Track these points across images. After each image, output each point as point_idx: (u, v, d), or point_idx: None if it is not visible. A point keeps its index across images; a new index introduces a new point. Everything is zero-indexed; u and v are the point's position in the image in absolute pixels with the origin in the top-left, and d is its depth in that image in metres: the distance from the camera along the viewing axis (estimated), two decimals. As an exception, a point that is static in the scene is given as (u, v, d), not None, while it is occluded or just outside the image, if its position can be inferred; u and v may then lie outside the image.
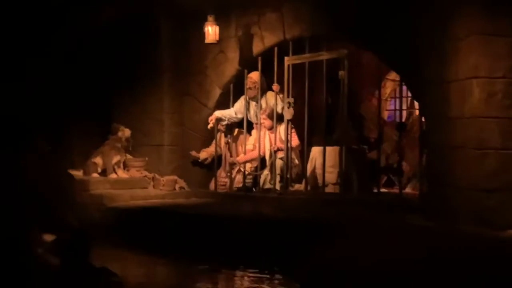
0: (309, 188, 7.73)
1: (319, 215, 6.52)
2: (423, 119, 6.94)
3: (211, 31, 7.67)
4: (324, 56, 7.44)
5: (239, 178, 8.56)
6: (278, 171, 7.87)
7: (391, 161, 9.29)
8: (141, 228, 7.29)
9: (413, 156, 8.78)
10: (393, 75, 10.89)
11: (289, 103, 7.73)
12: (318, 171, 7.79)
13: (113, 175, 8.49)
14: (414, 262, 4.32)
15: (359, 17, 7.02)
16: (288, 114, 7.74)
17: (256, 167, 8.32)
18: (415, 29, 6.38)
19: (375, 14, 6.85)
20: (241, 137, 8.62)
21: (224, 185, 8.65)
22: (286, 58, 7.77)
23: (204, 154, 8.73)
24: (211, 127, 8.44)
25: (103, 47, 9.17)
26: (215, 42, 7.79)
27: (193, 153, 8.68)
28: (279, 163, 7.88)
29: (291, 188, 7.81)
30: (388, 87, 10.88)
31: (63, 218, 5.56)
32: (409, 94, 10.95)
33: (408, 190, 8.80)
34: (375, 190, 7.38)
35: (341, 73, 7.29)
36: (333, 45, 7.56)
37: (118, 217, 7.53)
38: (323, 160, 7.45)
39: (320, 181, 7.73)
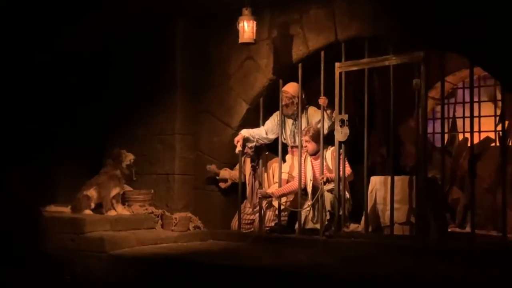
0: (370, 229, 6.06)
1: (408, 271, 4.87)
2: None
3: (247, 28, 6.03)
4: (391, 60, 5.85)
5: (270, 215, 6.88)
6: (328, 207, 6.19)
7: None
8: (154, 283, 5.57)
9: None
10: (433, 92, 9.37)
11: (342, 120, 6.11)
12: (380, 206, 6.15)
13: (112, 212, 6.71)
14: None
15: (445, 11, 5.48)
16: (341, 134, 6.12)
17: (292, 202, 6.67)
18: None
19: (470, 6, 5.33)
20: (272, 162, 6.96)
21: (251, 223, 6.96)
22: (337, 64, 6.18)
23: (226, 173, 7.03)
24: (240, 151, 6.75)
25: (98, 56, 7.51)
26: (252, 41, 6.14)
27: (212, 167, 6.97)
28: (328, 197, 6.21)
29: (345, 229, 6.13)
30: (428, 107, 9.31)
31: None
32: (451, 115, 9.57)
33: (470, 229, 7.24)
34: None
35: (415, 81, 5.72)
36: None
37: (125, 268, 5.76)
38: (391, 193, 5.81)
39: (383, 219, 6.10)
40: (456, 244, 5.59)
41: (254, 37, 6.12)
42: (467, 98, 9.34)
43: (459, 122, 9.25)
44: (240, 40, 6.14)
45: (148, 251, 5.98)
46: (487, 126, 8.81)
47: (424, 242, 5.59)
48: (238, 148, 6.73)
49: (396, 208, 5.89)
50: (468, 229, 7.27)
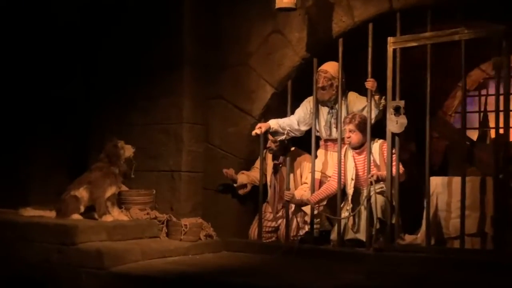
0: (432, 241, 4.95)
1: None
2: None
3: (287, -10, 4.86)
4: (463, 34, 4.75)
5: (296, 222, 5.73)
6: (378, 214, 5.05)
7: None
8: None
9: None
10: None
11: (397, 107, 4.99)
12: (443, 214, 5.07)
13: (108, 217, 5.47)
14: None
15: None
16: (395, 125, 5.00)
17: (325, 206, 5.55)
18: None
19: None
20: (300, 159, 5.82)
21: (272, 231, 5.84)
22: (390, 39, 5.06)
23: (244, 178, 5.87)
24: (256, 134, 5.60)
25: (89, 23, 6.35)
26: (292, 7, 4.96)
27: (230, 171, 5.81)
28: (379, 200, 5.08)
29: (400, 241, 5.01)
30: (458, 98, 8.30)
31: None
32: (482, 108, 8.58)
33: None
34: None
35: (495, 60, 4.65)
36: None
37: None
38: (463, 198, 4.71)
39: (446, 230, 5.02)
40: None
41: (295, 2, 4.94)
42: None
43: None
44: (278, 5, 4.96)
45: (157, 267, 4.76)
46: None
47: (505, 258, 4.51)
48: (256, 131, 5.58)
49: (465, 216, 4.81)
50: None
